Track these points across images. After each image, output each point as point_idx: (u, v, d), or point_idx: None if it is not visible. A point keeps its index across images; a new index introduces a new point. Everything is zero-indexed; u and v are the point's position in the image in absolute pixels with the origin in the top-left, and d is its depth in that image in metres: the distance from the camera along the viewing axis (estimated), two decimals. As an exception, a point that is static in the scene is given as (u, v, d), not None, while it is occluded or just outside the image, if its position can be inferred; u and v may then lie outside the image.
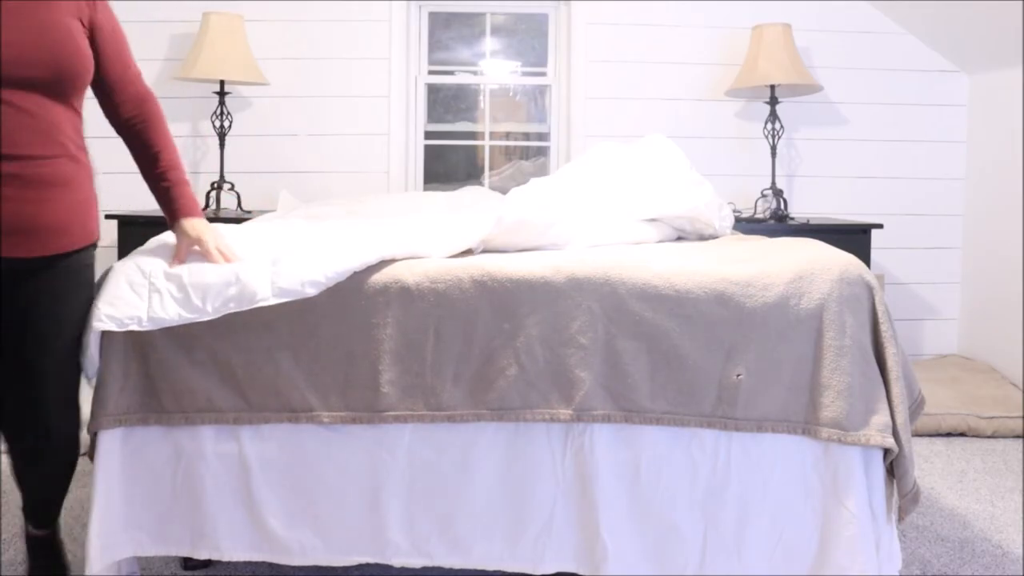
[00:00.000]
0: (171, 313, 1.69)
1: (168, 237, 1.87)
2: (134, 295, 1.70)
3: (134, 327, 1.68)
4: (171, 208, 1.84)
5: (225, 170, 3.62)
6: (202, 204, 3.60)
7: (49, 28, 1.61)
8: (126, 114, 1.83)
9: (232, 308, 1.70)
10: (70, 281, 1.72)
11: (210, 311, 1.69)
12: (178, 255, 1.78)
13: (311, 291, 1.70)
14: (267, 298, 1.69)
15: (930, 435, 3.16)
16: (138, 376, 1.74)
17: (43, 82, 1.61)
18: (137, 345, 1.73)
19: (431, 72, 4.04)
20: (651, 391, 1.70)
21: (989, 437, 3.15)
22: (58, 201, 1.66)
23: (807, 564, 1.73)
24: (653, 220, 2.31)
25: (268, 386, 1.73)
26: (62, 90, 1.65)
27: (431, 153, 4.06)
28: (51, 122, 1.63)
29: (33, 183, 1.62)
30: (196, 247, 1.79)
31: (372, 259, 1.77)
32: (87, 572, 1.72)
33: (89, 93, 1.79)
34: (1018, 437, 3.16)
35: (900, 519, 1.76)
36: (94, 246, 1.80)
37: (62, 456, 1.81)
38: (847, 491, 1.69)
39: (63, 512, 2.37)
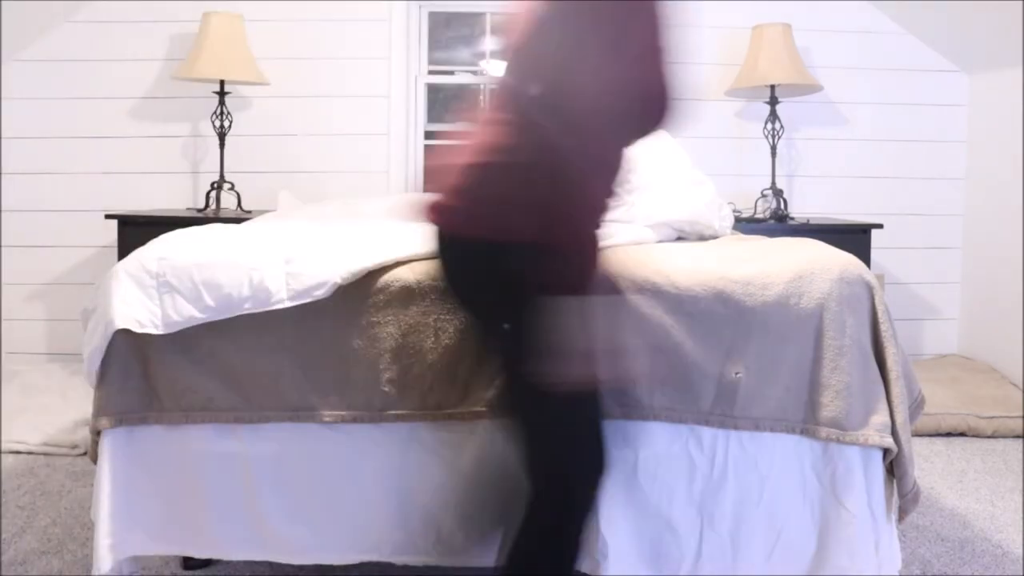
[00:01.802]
0: (184, 314, 1.69)
1: (171, 234, 1.86)
2: (145, 297, 1.71)
3: (151, 330, 1.69)
4: None
5: (225, 170, 3.62)
6: (202, 204, 3.61)
7: None
8: None
9: (247, 309, 1.70)
10: None
11: (224, 311, 1.70)
12: None
13: (324, 293, 1.69)
14: (282, 300, 1.69)
15: (930, 435, 3.16)
16: (139, 375, 1.74)
17: None
18: (137, 344, 1.73)
19: (431, 72, 4.04)
20: (650, 388, 1.70)
21: (989, 437, 3.15)
22: None
23: (805, 564, 1.73)
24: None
25: (268, 385, 1.73)
26: None
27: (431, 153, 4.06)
28: None
29: None
30: None
31: (388, 260, 1.76)
32: (94, 572, 1.72)
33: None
34: (1018, 437, 3.16)
35: (900, 519, 1.76)
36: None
37: None
38: (846, 491, 1.69)
39: (62, 511, 2.37)
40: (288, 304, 1.69)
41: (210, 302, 1.69)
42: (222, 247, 1.80)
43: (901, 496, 1.72)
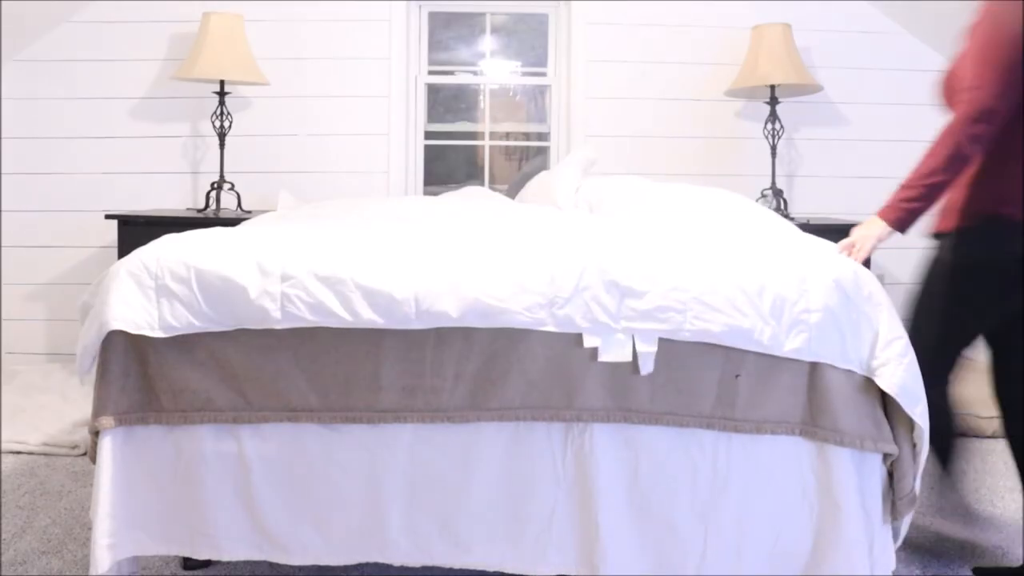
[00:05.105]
0: (182, 321, 1.69)
1: (174, 235, 1.85)
2: (144, 298, 1.70)
3: (147, 332, 1.69)
4: None
5: (225, 170, 3.63)
6: (202, 204, 3.61)
7: None
8: None
9: (244, 325, 1.70)
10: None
11: (222, 323, 1.70)
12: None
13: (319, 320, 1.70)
14: (278, 321, 1.69)
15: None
16: (138, 375, 1.74)
17: None
18: (137, 344, 1.73)
19: (431, 72, 4.05)
20: (651, 391, 1.70)
21: (989, 437, 3.15)
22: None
23: (802, 565, 1.73)
24: None
25: (268, 385, 1.73)
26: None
27: (431, 153, 4.06)
28: None
29: None
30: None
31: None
32: (92, 572, 1.72)
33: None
34: (1018, 437, 3.15)
35: (893, 518, 1.75)
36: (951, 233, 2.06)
37: None
38: (843, 492, 1.69)
39: (61, 511, 2.37)
40: (284, 326, 1.69)
41: (208, 311, 1.70)
42: (225, 256, 1.75)
43: (898, 498, 1.72)
